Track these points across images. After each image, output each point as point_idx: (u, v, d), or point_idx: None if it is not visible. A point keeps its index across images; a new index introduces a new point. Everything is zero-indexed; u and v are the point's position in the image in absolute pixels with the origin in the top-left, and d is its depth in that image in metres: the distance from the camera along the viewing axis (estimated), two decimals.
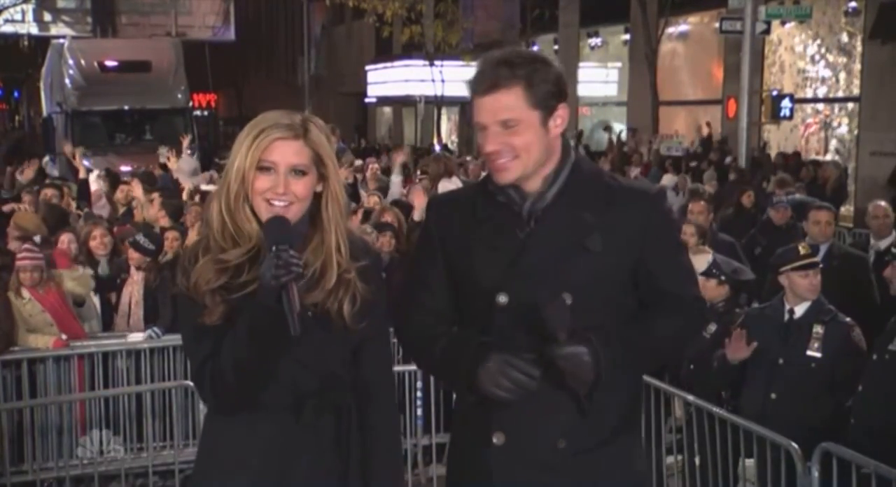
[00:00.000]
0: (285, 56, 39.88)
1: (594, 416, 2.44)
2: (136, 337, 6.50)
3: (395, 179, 10.57)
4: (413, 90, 26.29)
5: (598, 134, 22.96)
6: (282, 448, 2.38)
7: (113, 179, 11.64)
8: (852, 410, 4.67)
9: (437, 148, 21.39)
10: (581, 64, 23.10)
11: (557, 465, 2.43)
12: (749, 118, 15.02)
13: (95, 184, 11.03)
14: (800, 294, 4.98)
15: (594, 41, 22.42)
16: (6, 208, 8.71)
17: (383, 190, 10.22)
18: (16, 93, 51.31)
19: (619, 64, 22.89)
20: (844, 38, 17.02)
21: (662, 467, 5.42)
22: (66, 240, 7.25)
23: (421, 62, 25.37)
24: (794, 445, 4.39)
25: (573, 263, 2.42)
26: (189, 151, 16.44)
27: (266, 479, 2.38)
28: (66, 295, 6.51)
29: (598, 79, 23.78)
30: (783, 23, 16.67)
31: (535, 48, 18.73)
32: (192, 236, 7.37)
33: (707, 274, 5.62)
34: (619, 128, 21.89)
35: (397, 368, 4.93)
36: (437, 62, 24.41)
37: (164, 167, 13.19)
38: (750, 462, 4.86)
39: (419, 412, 6.29)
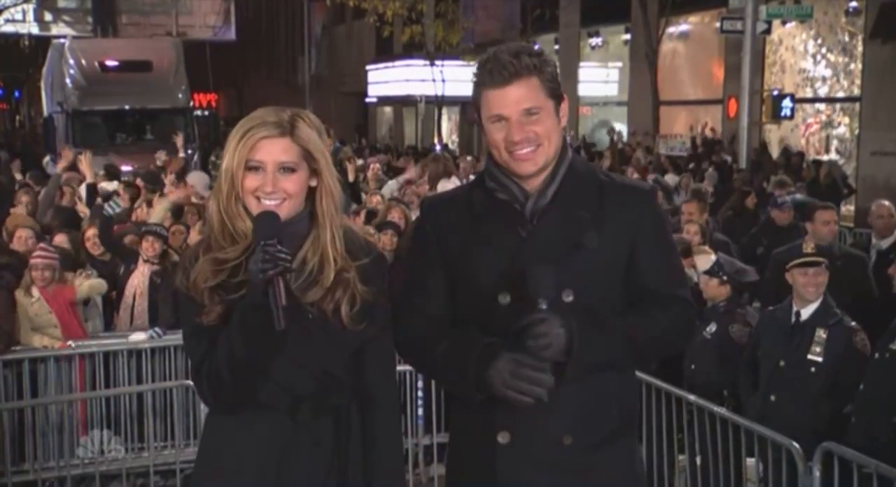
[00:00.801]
0: (286, 56, 39.88)
1: (598, 411, 2.45)
2: (137, 337, 6.51)
3: (392, 184, 10.60)
4: (414, 90, 26.29)
5: (599, 134, 22.96)
6: (280, 448, 2.38)
7: (112, 176, 11.64)
8: (853, 409, 4.67)
9: (438, 147, 21.38)
10: (581, 64, 23.09)
11: (563, 462, 2.44)
12: (750, 118, 15.02)
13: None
14: (801, 293, 4.98)
15: (595, 41, 22.41)
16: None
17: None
18: (16, 93, 51.33)
19: (619, 64, 22.88)
20: (845, 37, 17.02)
21: (675, 466, 5.42)
22: (61, 240, 7.25)
23: (421, 62, 25.37)
24: (796, 445, 4.40)
25: (571, 261, 2.42)
26: (189, 150, 16.47)
27: (264, 479, 2.38)
28: (78, 300, 6.52)
29: (599, 78, 23.76)
30: (784, 22, 16.65)
31: (536, 47, 18.67)
32: (194, 236, 7.37)
33: (710, 273, 5.62)
34: (620, 127, 21.88)
35: (398, 368, 4.93)
36: (437, 62, 24.41)
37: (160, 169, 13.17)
38: (751, 461, 4.86)
39: (420, 411, 6.29)
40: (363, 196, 9.95)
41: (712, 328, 5.45)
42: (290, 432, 2.37)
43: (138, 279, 6.84)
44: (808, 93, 17.80)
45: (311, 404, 2.38)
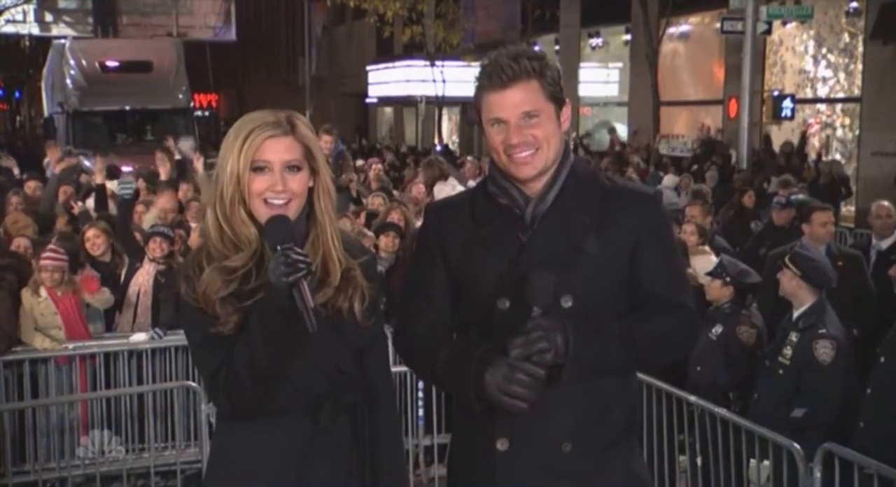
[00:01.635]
0: (286, 56, 39.89)
1: (598, 417, 2.44)
2: (138, 338, 6.51)
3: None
4: (414, 90, 26.27)
5: (600, 134, 22.96)
6: (300, 452, 2.36)
7: (113, 177, 11.62)
8: (860, 412, 4.65)
9: (438, 148, 21.38)
10: (582, 64, 23.09)
11: (562, 469, 2.43)
12: (750, 118, 15.01)
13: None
14: (785, 293, 5.08)
15: (595, 41, 22.40)
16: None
17: (386, 190, 10.20)
18: (17, 94, 51.34)
19: (619, 64, 22.87)
20: (846, 38, 17.01)
21: (676, 467, 5.42)
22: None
23: (422, 62, 25.36)
24: (797, 446, 4.39)
25: (572, 266, 2.41)
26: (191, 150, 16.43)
27: (287, 482, 2.36)
28: (82, 302, 6.52)
29: (599, 79, 23.76)
30: (784, 23, 16.65)
31: (536, 48, 18.72)
32: (195, 237, 7.36)
33: (712, 274, 5.63)
34: (621, 128, 21.88)
35: (399, 369, 4.95)
36: (437, 62, 24.40)
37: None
38: (752, 462, 4.86)
39: (420, 412, 6.29)
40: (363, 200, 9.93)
41: (718, 329, 5.44)
42: (310, 434, 2.36)
43: (143, 277, 6.84)
44: (809, 94, 17.79)
45: (330, 404, 2.37)
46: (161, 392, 6.25)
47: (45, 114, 22.25)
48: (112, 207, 8.97)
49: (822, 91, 17.75)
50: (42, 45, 31.96)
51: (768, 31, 15.90)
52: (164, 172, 10.33)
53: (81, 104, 18.87)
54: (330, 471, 2.38)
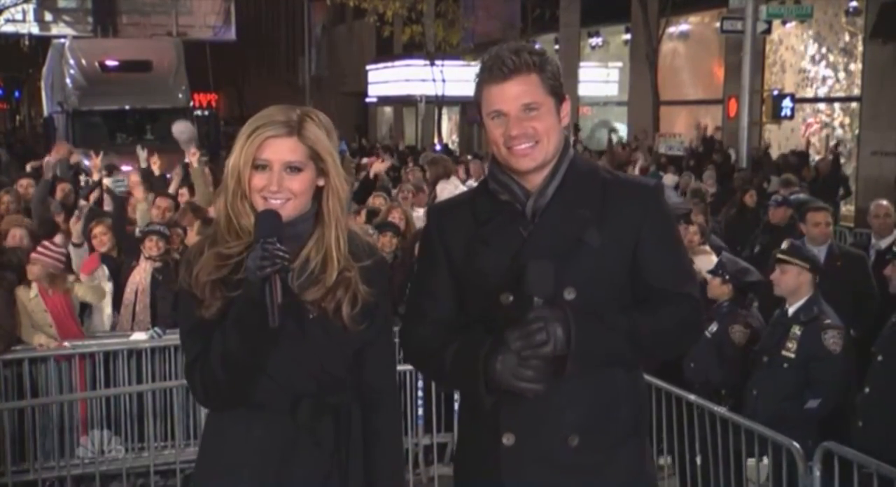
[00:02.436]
0: (286, 56, 39.89)
1: (604, 411, 2.44)
2: (138, 337, 6.51)
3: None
4: (414, 90, 26.28)
5: (599, 133, 22.97)
6: (279, 448, 2.37)
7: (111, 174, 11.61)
8: (859, 412, 4.64)
9: (438, 147, 21.38)
10: (582, 64, 23.09)
11: (569, 463, 2.43)
12: (750, 118, 15.01)
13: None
14: (781, 289, 5.07)
15: (595, 41, 22.41)
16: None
17: (386, 189, 10.20)
18: (16, 93, 51.35)
19: (619, 64, 22.88)
20: (845, 37, 17.01)
21: (675, 466, 5.43)
22: (58, 239, 7.25)
23: (422, 62, 25.37)
24: (796, 444, 4.40)
25: (574, 259, 2.41)
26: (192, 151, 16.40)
27: (265, 480, 2.38)
28: (75, 301, 6.51)
29: (599, 78, 23.77)
30: (784, 22, 16.65)
31: (537, 47, 18.66)
32: (192, 236, 7.36)
33: (712, 272, 5.63)
34: (621, 128, 21.88)
35: (398, 368, 4.94)
36: (437, 62, 24.41)
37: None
38: (752, 461, 4.87)
39: (420, 411, 6.29)
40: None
41: (713, 327, 5.46)
42: (290, 432, 2.37)
43: (140, 275, 6.83)
44: (809, 93, 17.80)
45: (311, 403, 2.38)
46: (160, 391, 6.25)
47: (45, 113, 22.24)
48: (107, 203, 9.00)
49: (822, 90, 17.76)
50: (42, 44, 31.89)
51: (768, 31, 15.90)
52: (156, 168, 10.33)
53: (81, 103, 18.86)
54: (309, 470, 2.39)
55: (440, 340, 2.51)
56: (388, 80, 28.45)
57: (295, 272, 2.34)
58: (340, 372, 2.42)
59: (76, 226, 7.33)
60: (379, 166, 10.93)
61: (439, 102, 25.06)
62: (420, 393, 6.25)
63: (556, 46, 22.94)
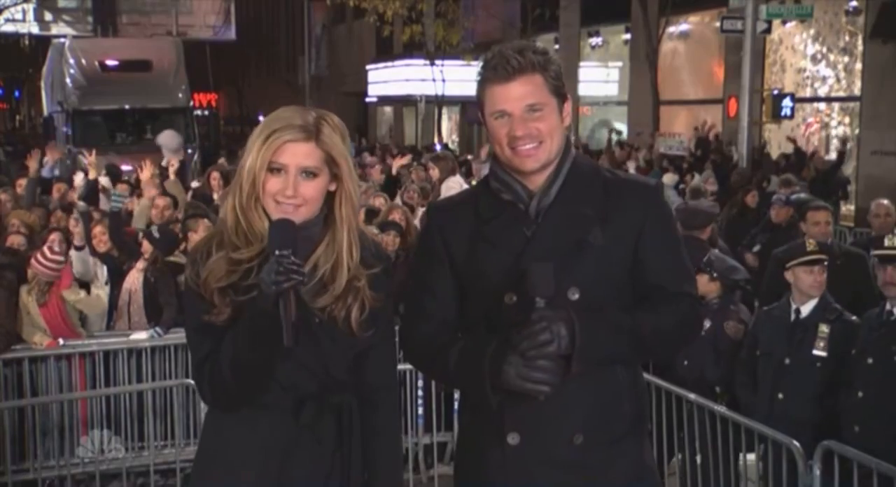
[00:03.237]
0: (286, 55, 39.89)
1: (608, 408, 2.44)
2: (138, 336, 6.51)
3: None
4: (414, 89, 26.28)
5: (599, 133, 22.96)
6: (281, 448, 2.37)
7: (114, 175, 11.62)
8: (853, 417, 4.58)
9: (438, 147, 21.38)
10: (582, 63, 23.08)
11: (573, 461, 2.43)
12: (750, 117, 15.01)
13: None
14: (805, 290, 4.97)
15: (595, 41, 22.40)
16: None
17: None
18: (16, 93, 51.37)
19: (619, 63, 22.87)
20: (845, 37, 17.01)
21: (664, 466, 5.42)
22: (55, 238, 7.23)
23: (422, 61, 25.37)
24: (796, 443, 4.39)
25: (577, 259, 2.42)
26: (189, 150, 16.44)
27: (266, 479, 2.37)
28: (72, 309, 6.50)
29: (599, 78, 23.76)
30: (784, 22, 16.64)
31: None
32: (194, 237, 7.35)
33: (699, 269, 5.63)
34: (621, 128, 21.85)
35: (399, 367, 4.93)
36: (437, 62, 24.40)
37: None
38: (751, 457, 4.86)
39: (420, 411, 6.29)
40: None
41: (706, 324, 5.44)
42: (292, 431, 2.37)
43: (134, 276, 6.84)
44: (809, 93, 17.79)
45: (314, 403, 2.38)
46: (161, 390, 6.25)
47: (45, 113, 22.24)
48: (102, 201, 9.01)
49: (822, 90, 17.75)
50: (42, 44, 31.93)
51: (768, 31, 15.89)
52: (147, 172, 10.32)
53: (81, 103, 18.86)
54: (310, 470, 2.38)
55: (442, 339, 2.50)
56: (388, 79, 28.44)
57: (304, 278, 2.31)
58: (343, 374, 2.42)
59: (77, 229, 7.34)
60: (399, 162, 11.07)
61: (439, 102, 25.06)
62: (420, 392, 6.25)
63: (556, 46, 22.92)
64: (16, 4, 30.64)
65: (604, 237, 2.43)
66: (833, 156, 15.65)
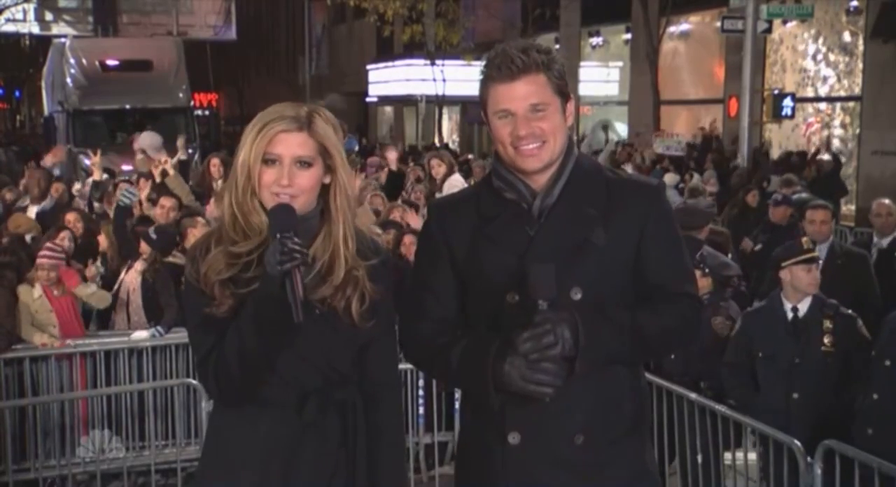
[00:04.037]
0: (286, 55, 39.89)
1: (609, 408, 2.44)
2: (139, 336, 6.51)
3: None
4: (414, 89, 26.28)
5: (599, 133, 22.94)
6: (285, 446, 2.37)
7: (112, 177, 11.65)
8: (867, 419, 4.54)
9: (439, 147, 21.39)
10: (582, 63, 23.08)
11: (575, 461, 2.43)
12: (750, 117, 15.01)
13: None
14: (801, 288, 4.96)
15: (595, 40, 22.41)
16: None
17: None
18: (17, 93, 51.35)
19: (620, 63, 22.87)
20: (846, 37, 17.01)
21: (665, 466, 5.42)
22: (64, 236, 7.24)
23: (422, 61, 25.37)
24: (797, 442, 4.39)
25: (580, 258, 2.42)
26: (190, 150, 16.42)
27: (271, 475, 2.37)
28: (78, 303, 6.52)
29: (600, 78, 23.77)
30: (784, 22, 16.65)
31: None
32: (193, 235, 7.35)
33: (693, 265, 5.63)
34: (621, 128, 21.86)
35: (400, 366, 4.93)
36: (438, 61, 24.40)
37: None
38: (752, 456, 4.86)
39: (421, 410, 6.29)
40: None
41: None
42: (296, 428, 2.37)
43: (132, 276, 6.84)
44: (809, 93, 17.80)
45: (317, 399, 2.37)
46: (161, 389, 6.25)
47: (46, 113, 22.24)
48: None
49: (823, 90, 17.75)
50: (42, 44, 31.95)
51: (769, 30, 15.90)
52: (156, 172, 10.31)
53: (82, 103, 18.86)
54: (315, 467, 2.38)
55: (443, 338, 2.50)
56: (389, 79, 28.44)
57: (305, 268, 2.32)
58: (346, 367, 2.42)
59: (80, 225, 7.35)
60: (393, 155, 11.09)
61: (440, 102, 25.06)
62: (421, 392, 6.25)
63: (557, 46, 22.92)
64: (16, 4, 30.63)
65: (606, 237, 2.43)
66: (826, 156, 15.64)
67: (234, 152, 2.44)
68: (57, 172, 12.71)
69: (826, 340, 4.83)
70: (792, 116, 16.51)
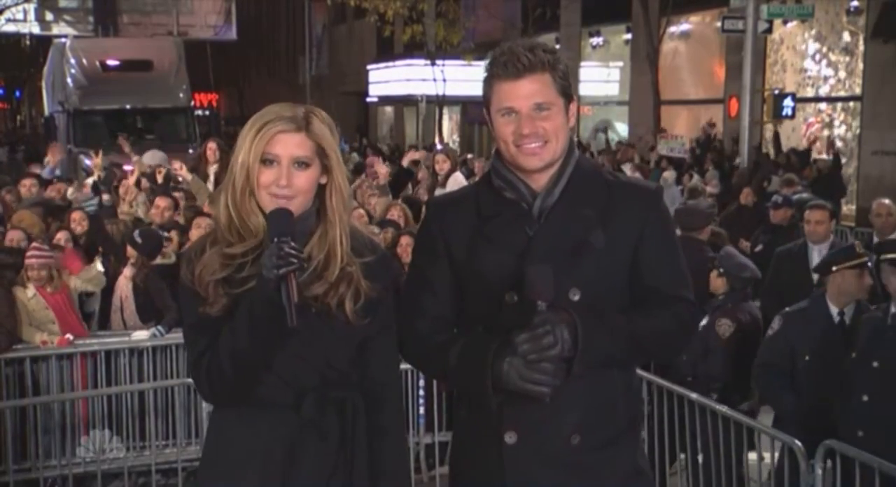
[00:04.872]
0: (287, 55, 39.90)
1: (604, 409, 2.45)
2: (139, 336, 6.51)
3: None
4: (414, 89, 26.29)
5: (599, 136, 22.96)
6: (286, 444, 2.37)
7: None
8: (857, 421, 4.49)
9: (439, 147, 21.38)
10: (582, 63, 23.09)
11: (570, 461, 2.44)
12: (751, 117, 15.02)
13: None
14: (854, 293, 4.92)
15: (596, 40, 22.42)
16: None
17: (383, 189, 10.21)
18: (17, 93, 51.35)
19: (620, 63, 22.88)
20: (846, 37, 17.01)
21: (665, 466, 5.41)
22: (62, 237, 7.24)
23: (422, 61, 25.38)
24: (798, 443, 4.39)
25: (579, 260, 2.42)
26: (190, 150, 16.43)
27: (271, 475, 2.37)
28: (74, 293, 6.52)
29: (600, 78, 23.78)
30: (785, 22, 16.65)
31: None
32: (195, 234, 7.35)
33: (711, 266, 5.62)
34: (621, 128, 21.86)
35: (401, 366, 4.93)
36: (438, 61, 24.41)
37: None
38: (753, 460, 4.86)
39: (421, 410, 6.29)
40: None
41: (704, 321, 5.44)
42: (295, 427, 2.37)
43: (122, 282, 6.83)
44: (810, 93, 17.80)
45: (315, 398, 2.38)
46: (162, 389, 6.24)
47: (46, 113, 22.24)
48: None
49: (823, 90, 17.76)
50: (42, 44, 31.96)
51: (769, 30, 15.90)
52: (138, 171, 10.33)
53: (82, 103, 18.86)
54: (314, 466, 2.38)
55: (440, 336, 2.50)
56: (389, 79, 28.46)
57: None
58: (344, 366, 2.42)
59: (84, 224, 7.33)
60: (412, 156, 11.10)
61: (440, 102, 25.07)
62: (421, 392, 6.25)
63: (557, 46, 22.92)
64: (17, 4, 30.65)
65: (605, 239, 2.43)
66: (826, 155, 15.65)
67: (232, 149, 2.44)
68: (57, 172, 12.72)
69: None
70: (792, 116, 16.52)
